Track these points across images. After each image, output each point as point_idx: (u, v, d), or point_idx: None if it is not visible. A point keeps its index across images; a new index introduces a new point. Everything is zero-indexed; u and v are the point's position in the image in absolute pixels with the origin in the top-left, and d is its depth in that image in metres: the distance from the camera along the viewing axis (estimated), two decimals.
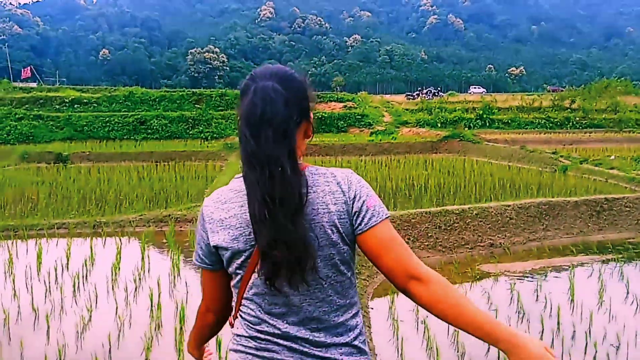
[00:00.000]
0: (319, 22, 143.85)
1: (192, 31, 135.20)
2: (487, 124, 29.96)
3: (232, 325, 1.56)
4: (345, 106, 33.21)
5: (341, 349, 1.46)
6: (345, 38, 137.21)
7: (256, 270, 1.42)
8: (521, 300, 5.86)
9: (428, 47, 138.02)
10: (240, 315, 1.51)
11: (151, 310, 5.24)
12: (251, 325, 1.48)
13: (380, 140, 23.58)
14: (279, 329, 1.45)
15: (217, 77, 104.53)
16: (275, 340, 1.45)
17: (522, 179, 13.86)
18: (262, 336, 1.46)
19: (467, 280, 6.89)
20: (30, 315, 5.22)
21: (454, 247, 8.12)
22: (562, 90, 45.77)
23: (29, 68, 56.04)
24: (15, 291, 5.81)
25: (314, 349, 1.45)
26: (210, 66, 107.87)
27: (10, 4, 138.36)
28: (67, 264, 6.80)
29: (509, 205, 8.98)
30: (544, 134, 27.53)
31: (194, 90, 37.13)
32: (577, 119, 30.67)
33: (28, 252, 7.45)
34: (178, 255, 6.95)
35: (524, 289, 6.36)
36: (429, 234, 8.08)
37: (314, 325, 1.45)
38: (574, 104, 33.20)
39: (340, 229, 1.43)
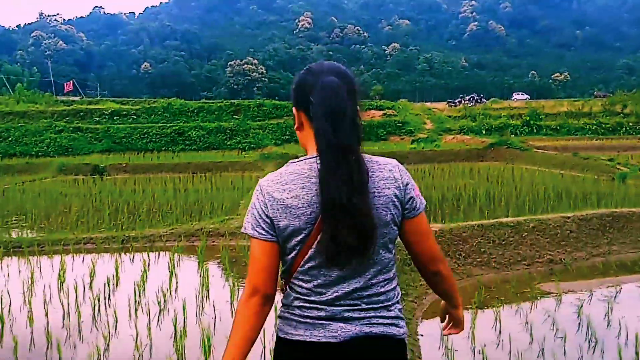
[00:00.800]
0: (357, 32, 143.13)
1: (231, 44, 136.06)
2: (535, 131, 28.82)
3: (283, 292, 1.69)
4: (384, 114, 32.52)
5: (380, 312, 1.62)
6: (383, 47, 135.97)
7: (314, 245, 1.55)
8: (592, 326, 5.10)
9: (469, 54, 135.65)
10: (291, 287, 1.64)
11: (175, 338, 4.67)
12: (300, 296, 1.62)
13: (423, 148, 22.72)
14: (326, 297, 1.59)
15: (256, 88, 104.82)
16: (320, 306, 1.59)
17: (578, 188, 12.92)
18: (308, 304, 1.60)
19: (527, 301, 6.15)
20: (44, 343, 4.73)
21: (509, 263, 7.37)
22: (610, 96, 44.15)
23: (71, 82, 57.18)
24: (31, 314, 5.35)
25: (353, 313, 1.59)
26: (249, 78, 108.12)
27: (55, 20, 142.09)
28: (90, 283, 6.32)
29: (568, 217, 8.17)
30: (596, 140, 26.23)
31: (232, 101, 37.08)
32: (631, 124, 29.22)
33: (53, 270, 7.02)
34: (208, 273, 6.41)
35: (592, 312, 5.58)
36: (482, 249, 7.36)
37: (358, 294, 1.60)
38: (626, 109, 31.71)
39: (392, 211, 1.60)
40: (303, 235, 1.56)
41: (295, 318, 1.61)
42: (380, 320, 1.61)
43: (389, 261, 1.65)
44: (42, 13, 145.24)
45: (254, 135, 28.77)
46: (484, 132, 28.73)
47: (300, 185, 1.56)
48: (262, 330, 1.64)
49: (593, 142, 25.25)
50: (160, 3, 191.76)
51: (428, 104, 45.54)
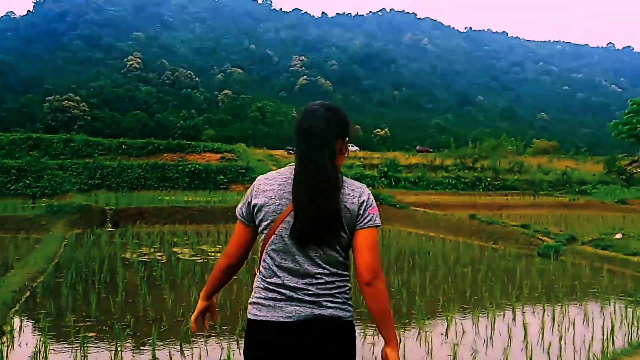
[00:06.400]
0: (189, 76, 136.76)
1: (52, 78, 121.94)
2: (393, 183, 25.67)
3: (255, 275, 2.02)
4: (222, 157, 27.56)
5: (328, 297, 1.89)
6: (216, 92, 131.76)
7: (276, 231, 1.89)
8: None
9: (299, 106, 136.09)
10: (260, 270, 1.98)
11: None
12: (264, 278, 1.94)
13: None
14: (283, 280, 1.90)
15: (77, 126, 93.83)
16: (279, 290, 1.90)
17: (525, 270, 8.98)
18: (271, 287, 1.91)
19: None
20: None
21: None
22: (431, 152, 44.63)
23: None
24: None
25: (306, 296, 1.88)
26: (70, 115, 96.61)
27: None
28: None
29: None
30: (458, 195, 23.64)
31: (30, 134, 29.59)
32: (489, 179, 27.55)
33: None
34: None
35: None
36: None
37: (308, 280, 1.89)
38: (477, 163, 30.41)
39: (345, 221, 1.88)
40: (270, 220, 1.91)
41: (261, 301, 1.92)
42: (329, 304, 1.89)
43: (338, 261, 1.92)
44: None
45: (50, 177, 21.86)
46: None
47: (278, 182, 1.93)
48: (224, 284, 2.15)
49: (462, 198, 22.58)
50: None
51: (269, 150, 41.36)
